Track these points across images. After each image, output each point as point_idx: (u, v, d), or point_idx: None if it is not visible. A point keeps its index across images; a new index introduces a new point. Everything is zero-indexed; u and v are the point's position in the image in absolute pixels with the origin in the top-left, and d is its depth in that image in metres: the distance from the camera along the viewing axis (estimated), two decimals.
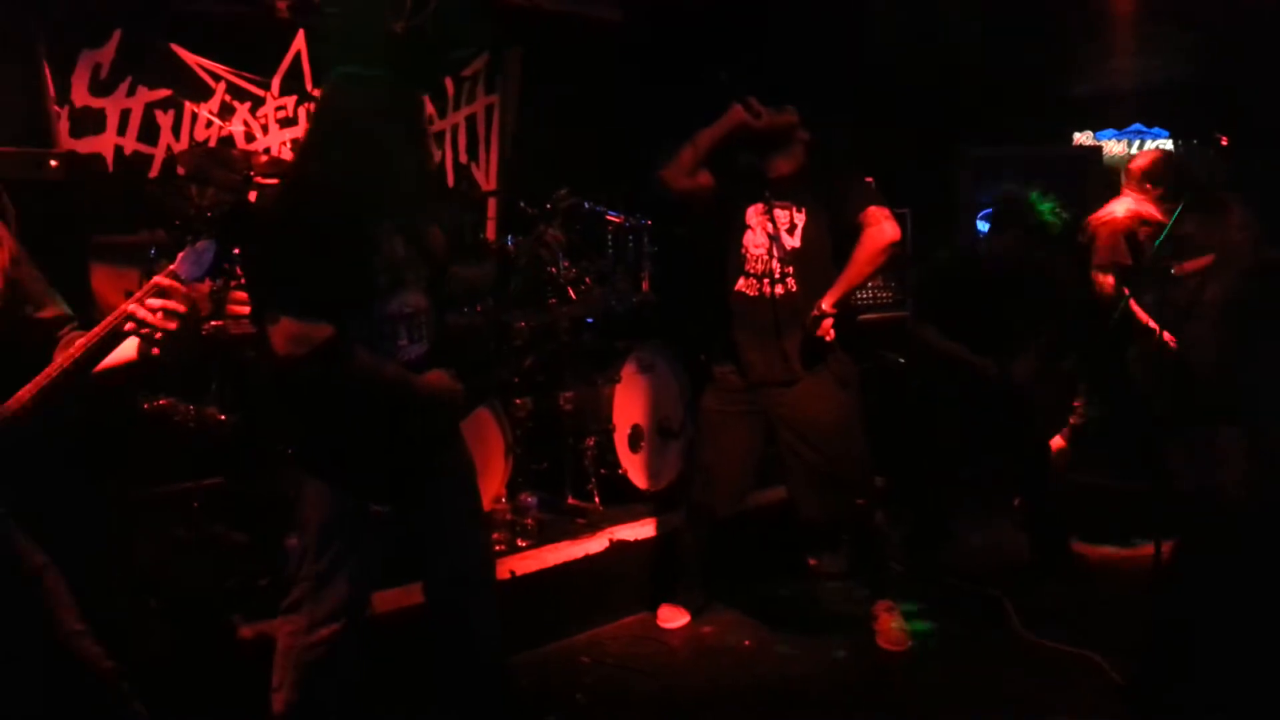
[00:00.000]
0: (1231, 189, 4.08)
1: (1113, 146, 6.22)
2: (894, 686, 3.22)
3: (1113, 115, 6.17)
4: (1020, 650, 3.40)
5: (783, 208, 3.41)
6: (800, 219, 3.39)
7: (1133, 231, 3.92)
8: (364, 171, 2.24)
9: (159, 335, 1.92)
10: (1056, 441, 4.45)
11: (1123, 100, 6.03)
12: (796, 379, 3.35)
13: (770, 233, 3.40)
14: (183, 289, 1.92)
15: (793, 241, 3.39)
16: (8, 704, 1.99)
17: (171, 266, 1.95)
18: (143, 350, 1.97)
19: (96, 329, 1.93)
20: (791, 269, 3.36)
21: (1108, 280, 3.92)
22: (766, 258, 3.39)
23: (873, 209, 3.31)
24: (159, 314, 1.91)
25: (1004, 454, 4.20)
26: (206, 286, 3.57)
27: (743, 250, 3.43)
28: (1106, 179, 5.48)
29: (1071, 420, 4.55)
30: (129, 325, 1.92)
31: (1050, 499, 4.18)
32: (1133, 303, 3.85)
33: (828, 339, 3.29)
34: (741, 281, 3.42)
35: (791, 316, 3.34)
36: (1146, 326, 3.81)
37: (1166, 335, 3.72)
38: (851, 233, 3.33)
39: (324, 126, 2.31)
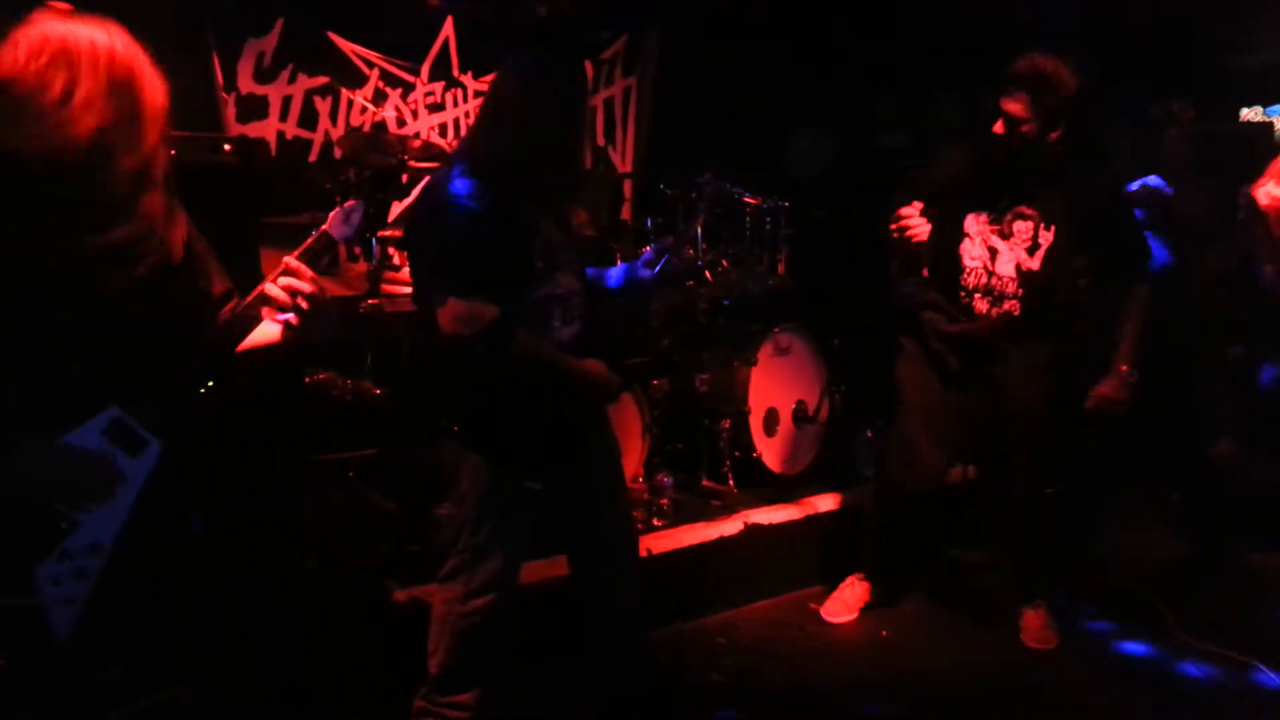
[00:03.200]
0: None
1: None
2: (1033, 686, 3.14)
3: None
4: (1175, 653, 3.26)
5: (1025, 219, 3.08)
6: (1047, 237, 3.05)
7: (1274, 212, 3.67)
8: (532, 155, 2.29)
9: (294, 316, 1.93)
10: (1222, 440, 4.21)
11: None
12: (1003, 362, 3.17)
13: (994, 246, 3.10)
14: (309, 272, 1.94)
15: (1031, 263, 3.06)
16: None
17: (324, 227, 2.01)
18: (285, 332, 1.99)
19: (237, 307, 1.96)
20: (1021, 293, 3.08)
21: (1267, 265, 3.68)
22: (985, 274, 3.12)
23: (1141, 288, 3.14)
24: (292, 294, 1.91)
25: (1160, 449, 4.01)
26: (363, 266, 3.74)
27: (958, 261, 3.16)
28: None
29: (1237, 418, 4.30)
30: (265, 309, 1.92)
31: (1212, 499, 3.97)
32: None
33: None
34: (961, 294, 3.18)
35: (1007, 335, 3.13)
36: None
37: None
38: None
39: (498, 109, 2.35)
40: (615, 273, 2.66)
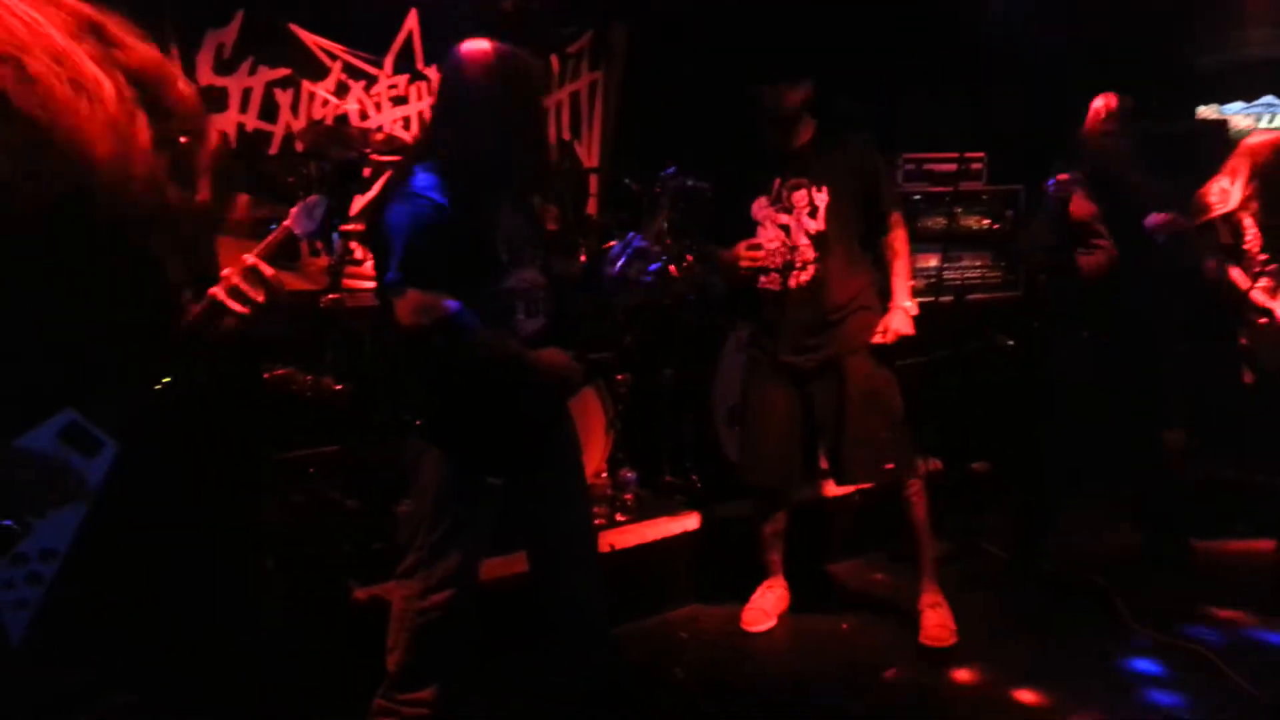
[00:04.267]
0: None
1: (1240, 120, 5.91)
2: (991, 671, 3.17)
3: (1241, 87, 5.87)
4: (1128, 642, 3.31)
5: (799, 188, 3.28)
6: (822, 198, 3.26)
7: (1232, 216, 3.75)
8: (490, 146, 2.28)
9: (247, 309, 1.84)
10: (1173, 432, 4.29)
11: (1252, 71, 5.72)
12: (832, 349, 3.29)
13: (783, 223, 3.29)
14: (269, 270, 1.91)
15: (816, 224, 3.26)
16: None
17: (285, 223, 1.98)
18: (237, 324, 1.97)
19: (195, 313, 1.92)
20: (815, 254, 3.26)
21: (1219, 262, 3.75)
22: (785, 250, 3.29)
23: (898, 214, 3.37)
24: (240, 295, 1.81)
25: (1119, 443, 4.06)
26: (324, 261, 3.71)
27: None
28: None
29: (1189, 410, 4.38)
30: (225, 300, 1.83)
31: (1165, 491, 4.04)
32: (1246, 285, 3.70)
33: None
34: (763, 279, 3.32)
35: (821, 298, 3.26)
36: (1260, 308, 3.65)
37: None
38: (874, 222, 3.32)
39: (453, 100, 2.34)
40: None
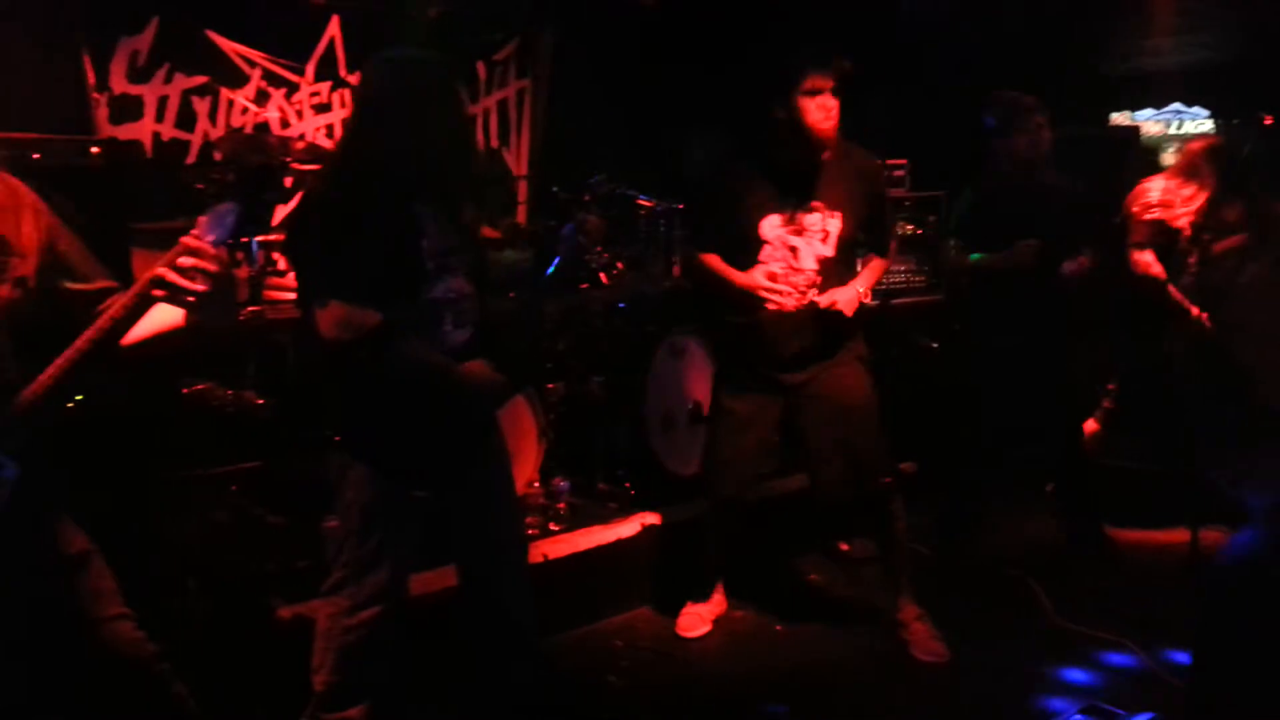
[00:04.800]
0: (1273, 170, 4.02)
1: (1151, 126, 6.12)
2: (925, 671, 3.22)
3: (1151, 94, 6.08)
4: (1053, 637, 3.39)
5: (814, 211, 3.14)
6: (834, 224, 3.14)
7: (1170, 211, 3.88)
8: (408, 154, 2.25)
9: (192, 299, 1.86)
10: (1089, 425, 4.41)
11: (1162, 79, 5.93)
12: (817, 364, 3.24)
13: (792, 245, 3.15)
14: (212, 249, 1.88)
15: (826, 250, 3.15)
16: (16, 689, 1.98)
17: (194, 231, 1.93)
18: (188, 317, 1.93)
19: (123, 297, 1.88)
20: (820, 280, 3.15)
21: (1143, 258, 3.87)
22: (791, 273, 3.15)
23: (894, 244, 3.41)
24: (190, 274, 1.83)
25: (1038, 437, 4.16)
26: (245, 272, 3.62)
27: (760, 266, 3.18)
28: (1145, 159, 5.40)
29: (1105, 404, 4.50)
30: (157, 291, 1.85)
31: (1083, 483, 4.15)
32: (1167, 283, 3.83)
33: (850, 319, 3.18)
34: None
35: (816, 321, 3.16)
36: (1182, 307, 3.78)
37: (1202, 315, 3.69)
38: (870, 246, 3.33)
39: (366, 109, 2.31)
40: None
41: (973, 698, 3.05)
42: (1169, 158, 4.03)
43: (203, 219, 1.95)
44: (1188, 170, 3.90)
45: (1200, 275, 3.90)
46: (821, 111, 3.03)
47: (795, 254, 3.16)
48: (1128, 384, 4.44)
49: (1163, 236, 3.89)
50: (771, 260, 3.17)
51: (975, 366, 4.06)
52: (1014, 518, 4.38)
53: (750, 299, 3.15)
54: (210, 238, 1.92)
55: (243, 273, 3.68)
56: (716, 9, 5.41)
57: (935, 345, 4.73)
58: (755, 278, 3.13)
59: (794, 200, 3.14)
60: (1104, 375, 4.49)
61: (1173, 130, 6.08)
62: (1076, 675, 3.14)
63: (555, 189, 4.23)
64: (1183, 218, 3.90)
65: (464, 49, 5.03)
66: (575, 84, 5.35)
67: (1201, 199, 3.86)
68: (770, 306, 3.12)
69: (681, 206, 4.63)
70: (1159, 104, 6.05)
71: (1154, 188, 3.93)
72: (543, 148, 5.39)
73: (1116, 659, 3.21)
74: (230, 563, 3.17)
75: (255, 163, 3.45)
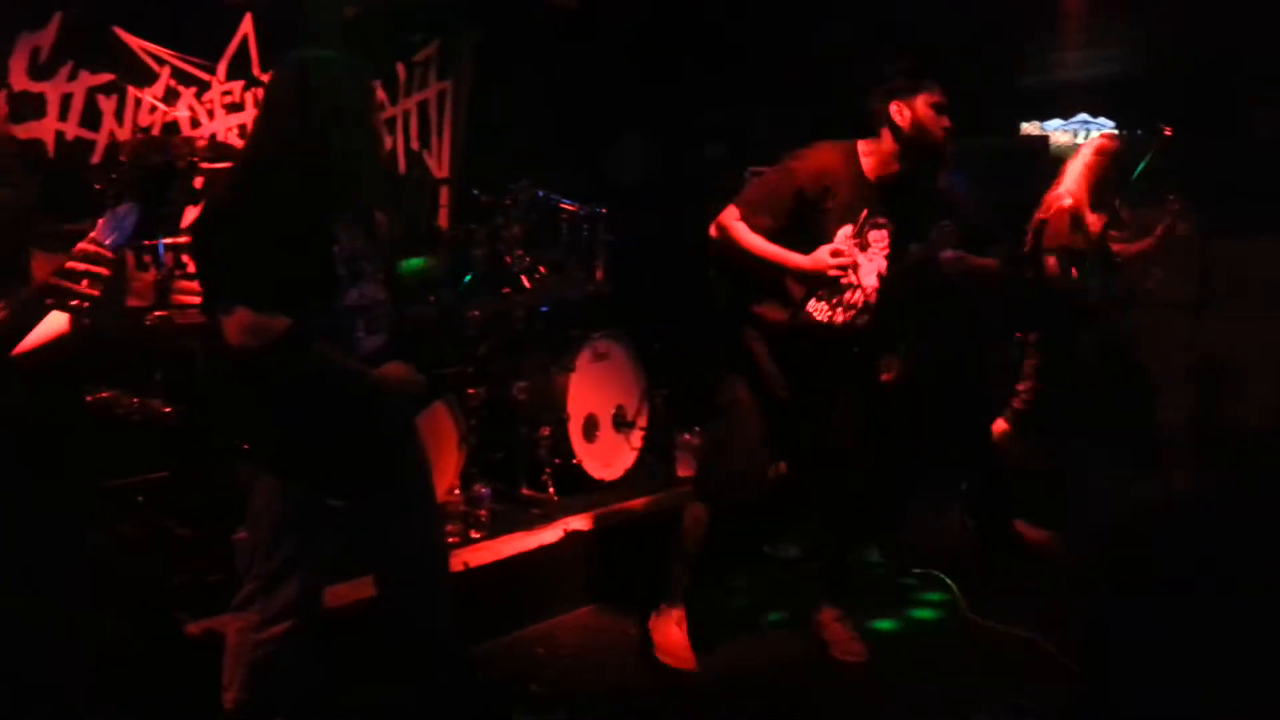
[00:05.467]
0: (1173, 179, 4.20)
1: (1059, 136, 6.32)
2: (847, 672, 3.26)
3: (1059, 106, 6.27)
4: (967, 633, 3.46)
5: (879, 227, 3.03)
6: (887, 241, 3.06)
7: (1078, 216, 4.01)
8: (317, 157, 2.20)
9: (85, 304, 1.83)
10: (999, 425, 4.52)
11: (1069, 91, 6.13)
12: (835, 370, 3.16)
13: (856, 261, 2.97)
14: (109, 253, 1.83)
15: (884, 266, 3.07)
16: None
17: (92, 234, 1.87)
18: (74, 322, 1.89)
19: (9, 305, 1.84)
20: (877, 298, 3.07)
21: (1053, 262, 3.99)
22: (850, 290, 3.02)
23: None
24: (82, 281, 1.81)
25: (949, 438, 4.25)
26: (152, 275, 3.52)
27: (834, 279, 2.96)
28: (1053, 168, 5.58)
29: (1015, 404, 4.62)
30: (49, 300, 1.82)
31: (994, 482, 4.25)
32: (1080, 285, 3.96)
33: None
34: (812, 303, 3.03)
35: (856, 340, 3.11)
36: (1094, 309, 3.92)
37: (1114, 317, 3.84)
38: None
39: (275, 110, 2.26)
40: None
41: (890, 695, 3.10)
42: (1073, 163, 4.14)
43: (101, 221, 1.89)
44: (1090, 177, 4.04)
45: (1108, 280, 4.06)
46: (946, 128, 2.95)
47: (857, 270, 3.00)
48: (1038, 385, 4.56)
49: (1072, 241, 4.01)
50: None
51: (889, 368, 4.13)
52: (929, 517, 4.47)
53: (809, 284, 2.96)
54: (109, 240, 1.86)
55: (150, 276, 3.58)
56: (639, 11, 5.42)
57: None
58: (822, 257, 2.86)
59: (869, 212, 2.98)
60: (1013, 376, 4.60)
61: (1080, 140, 6.28)
62: (990, 671, 3.21)
63: (476, 192, 4.18)
64: (1090, 224, 4.04)
65: (382, 49, 4.95)
66: (499, 87, 5.30)
67: (1108, 205, 4.00)
68: (833, 273, 2.88)
69: (604, 211, 4.64)
70: (1066, 115, 6.24)
71: (1062, 194, 4.06)
72: (464, 151, 5.33)
73: (1028, 654, 3.29)
74: (137, 576, 3.07)
75: (155, 162, 3.34)
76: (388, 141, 2.39)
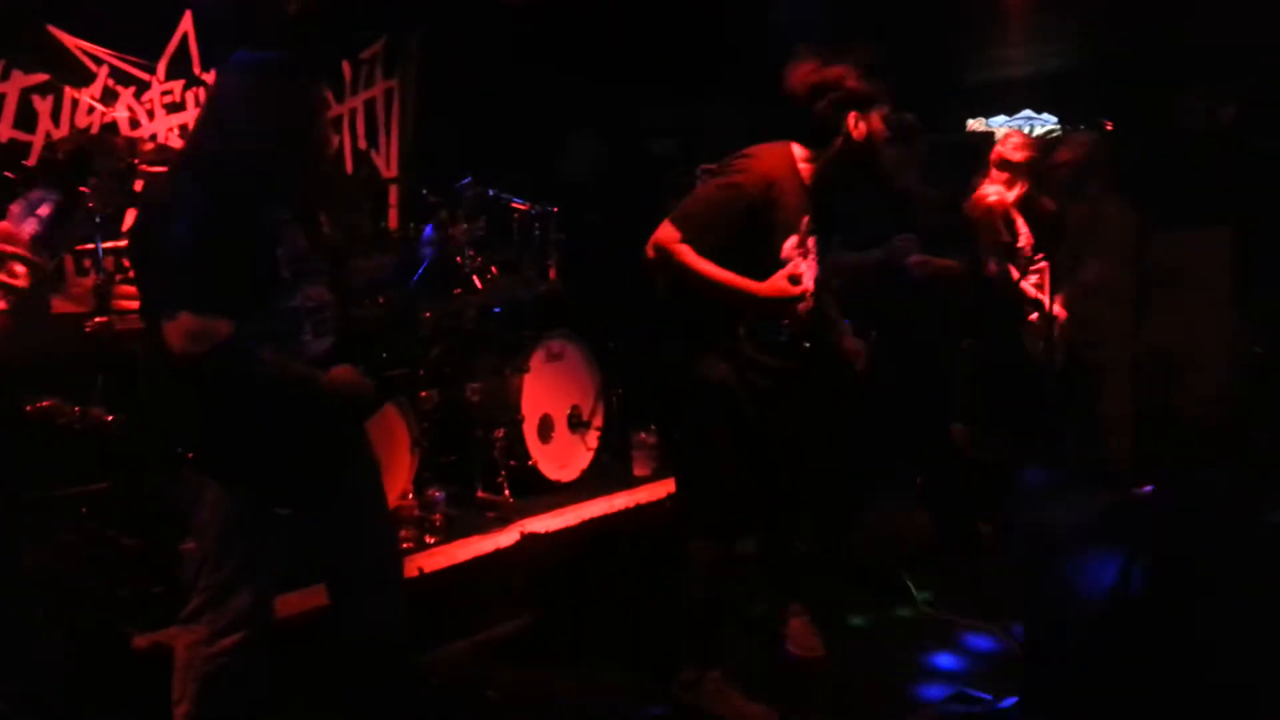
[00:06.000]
0: (1112, 173, 4.27)
1: (1004, 132, 6.41)
2: (807, 670, 3.26)
3: (1004, 102, 6.36)
4: (925, 625, 3.49)
5: (815, 233, 2.93)
6: (815, 245, 2.97)
7: (1008, 212, 4.07)
8: (260, 157, 2.16)
9: (6, 296, 1.77)
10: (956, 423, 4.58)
11: (1014, 87, 6.22)
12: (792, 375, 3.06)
13: (800, 271, 2.89)
14: (24, 235, 1.75)
15: (817, 271, 2.99)
16: None
17: (2, 223, 1.79)
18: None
19: None
20: (814, 305, 2.99)
21: (995, 260, 4.04)
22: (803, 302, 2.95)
23: None
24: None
25: (909, 436, 4.28)
26: (91, 280, 3.43)
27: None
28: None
29: (967, 402, 4.68)
30: None
31: (952, 478, 4.29)
32: (1019, 281, 4.02)
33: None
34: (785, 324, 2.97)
35: (799, 349, 3.03)
36: (1034, 301, 3.97)
37: (1057, 309, 3.89)
38: None
39: (217, 110, 2.21)
40: None
41: (846, 687, 3.12)
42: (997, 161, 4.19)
43: (14, 206, 1.81)
44: (1014, 171, 4.09)
45: (1044, 275, 4.12)
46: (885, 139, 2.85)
47: (800, 279, 2.88)
48: (991, 381, 4.62)
49: (1006, 235, 4.07)
50: None
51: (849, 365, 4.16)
52: (887, 513, 4.49)
53: (773, 308, 2.83)
54: (24, 228, 1.79)
55: (89, 281, 3.49)
56: (587, 9, 5.40)
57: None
58: (780, 284, 2.76)
59: (810, 220, 2.89)
60: (972, 373, 4.66)
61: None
62: (946, 661, 3.25)
63: (425, 191, 4.14)
64: (1022, 220, 4.10)
65: (327, 46, 4.87)
66: (448, 85, 5.24)
67: (1042, 200, 4.06)
68: (802, 309, 2.84)
69: (556, 209, 4.61)
70: (1011, 111, 6.34)
71: (991, 191, 4.10)
72: (413, 150, 5.27)
73: (984, 645, 3.33)
74: (81, 589, 2.99)
75: (71, 151, 3.24)
76: (334, 141, 2.33)
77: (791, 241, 2.85)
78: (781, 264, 2.81)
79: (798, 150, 2.90)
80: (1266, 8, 4.71)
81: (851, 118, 2.81)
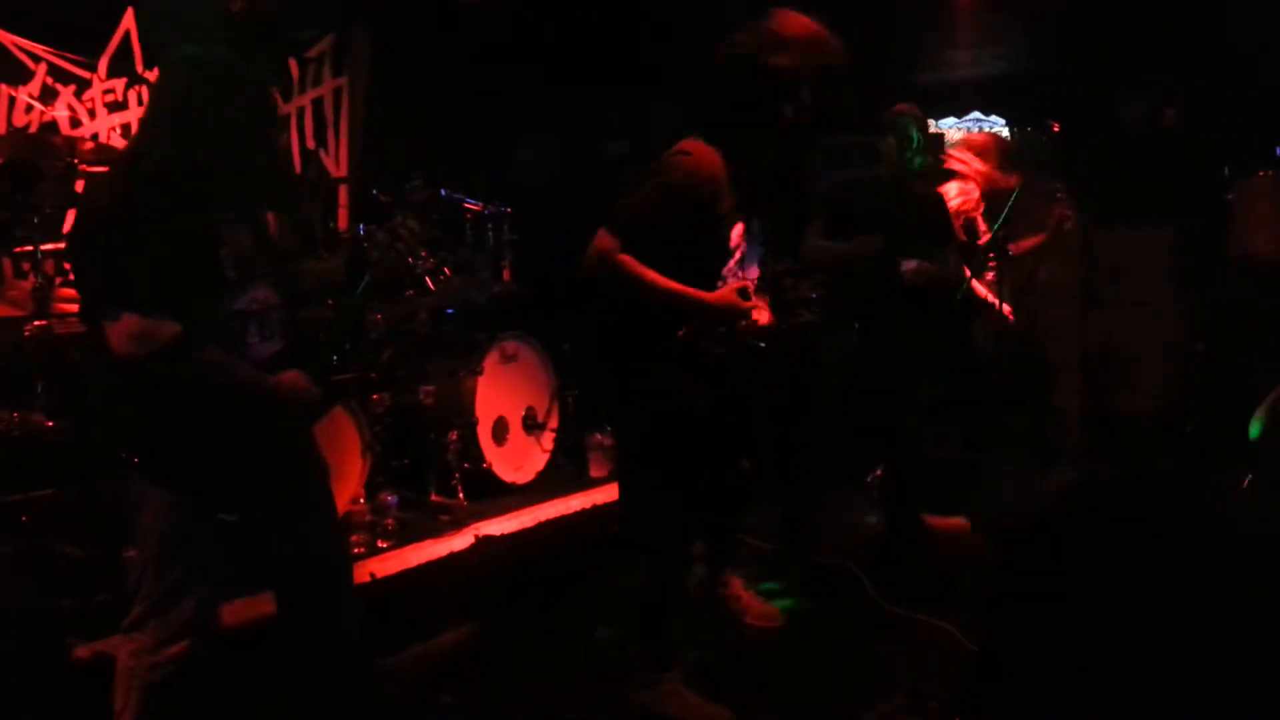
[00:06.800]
0: (1060, 173, 4.35)
1: (953, 134, 6.49)
2: (758, 663, 3.27)
3: (953, 103, 6.44)
4: (878, 622, 3.52)
5: (752, 217, 2.93)
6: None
7: (965, 212, 4.13)
8: (204, 157, 2.13)
9: None
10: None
11: (962, 89, 6.29)
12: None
13: (738, 258, 2.91)
14: None
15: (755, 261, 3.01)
16: None
17: None
18: None
19: None
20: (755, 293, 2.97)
21: (952, 263, 4.10)
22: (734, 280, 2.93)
23: None
24: None
25: (868, 429, 4.31)
26: (30, 283, 3.34)
27: (722, 274, 2.87)
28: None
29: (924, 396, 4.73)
30: None
31: (909, 473, 4.33)
32: (972, 281, 4.06)
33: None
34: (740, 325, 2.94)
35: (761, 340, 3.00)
36: (986, 301, 4.02)
37: (1006, 308, 3.93)
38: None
39: (160, 109, 2.17)
40: None
41: (798, 682, 3.13)
42: (957, 160, 4.25)
43: None
44: (979, 174, 4.16)
45: (1000, 274, 4.19)
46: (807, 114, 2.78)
47: (742, 267, 2.90)
48: (940, 376, 4.67)
49: (962, 235, 4.13)
50: (729, 274, 2.87)
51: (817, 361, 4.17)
52: (851, 509, 4.52)
53: (724, 317, 2.82)
54: None
55: (28, 284, 3.40)
56: (541, 6, 5.37)
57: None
58: (731, 296, 2.77)
59: (744, 204, 2.85)
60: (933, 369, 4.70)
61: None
62: (901, 658, 3.27)
63: (375, 191, 4.09)
64: (976, 214, 4.16)
65: (273, 44, 4.79)
66: (398, 83, 5.19)
67: (974, 192, 4.11)
68: (762, 320, 2.84)
69: (509, 210, 4.58)
70: (960, 112, 6.41)
71: (949, 191, 4.16)
72: (362, 149, 5.20)
73: (939, 641, 3.36)
74: (21, 598, 2.91)
75: (19, 161, 3.16)
76: (282, 139, 2.27)
77: (738, 230, 2.85)
78: (729, 254, 2.82)
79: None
80: (1209, 10, 4.83)
81: (778, 97, 2.76)
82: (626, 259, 2.70)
